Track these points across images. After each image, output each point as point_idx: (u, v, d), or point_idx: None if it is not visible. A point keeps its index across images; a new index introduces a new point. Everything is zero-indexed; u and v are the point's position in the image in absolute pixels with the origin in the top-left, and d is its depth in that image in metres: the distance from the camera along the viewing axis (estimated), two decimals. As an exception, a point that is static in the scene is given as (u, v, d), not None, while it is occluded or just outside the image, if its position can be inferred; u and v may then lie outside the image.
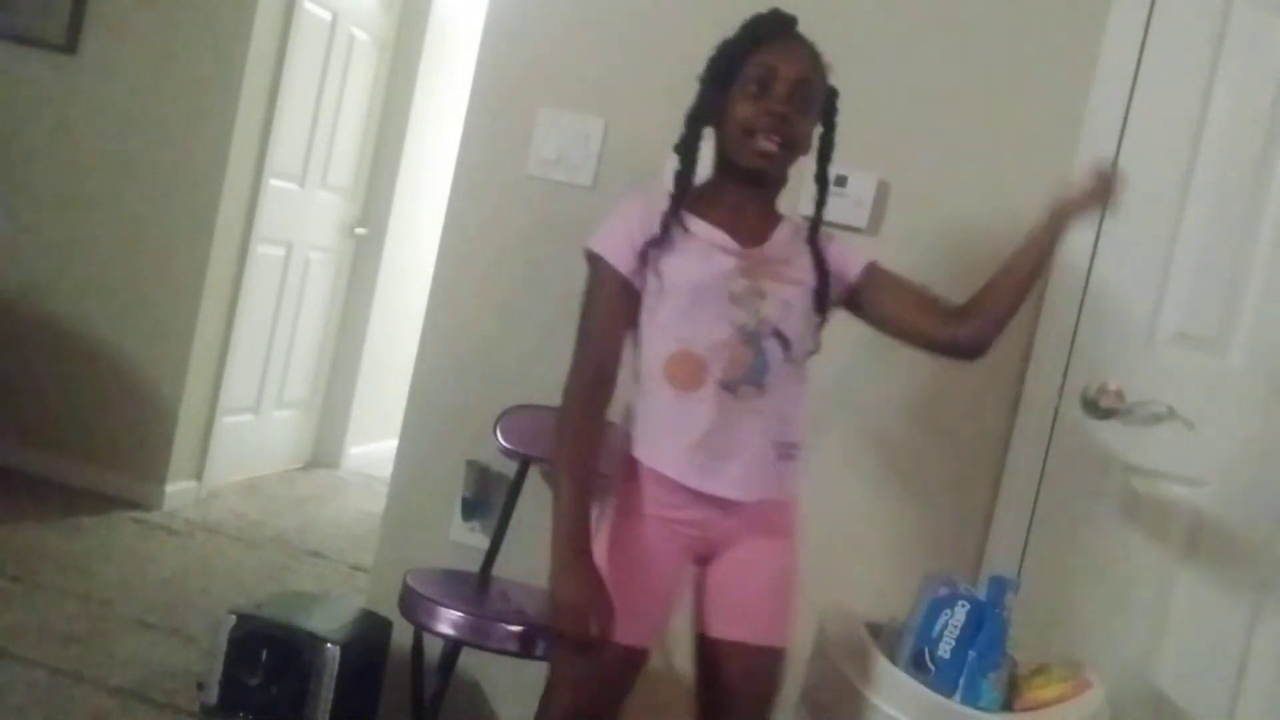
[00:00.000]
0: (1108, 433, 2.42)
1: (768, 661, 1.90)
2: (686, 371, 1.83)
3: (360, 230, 5.04)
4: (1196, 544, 2.42)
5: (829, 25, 2.54)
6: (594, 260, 1.89)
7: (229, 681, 2.51)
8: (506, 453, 2.58)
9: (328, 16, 4.46)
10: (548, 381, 2.63)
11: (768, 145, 1.84)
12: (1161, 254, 2.42)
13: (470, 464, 2.69)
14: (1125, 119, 2.42)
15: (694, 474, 1.83)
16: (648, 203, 1.90)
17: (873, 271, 1.97)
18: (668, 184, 1.92)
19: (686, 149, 1.93)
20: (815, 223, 1.95)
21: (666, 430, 1.85)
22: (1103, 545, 2.45)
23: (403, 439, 2.78)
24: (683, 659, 2.47)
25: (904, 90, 2.51)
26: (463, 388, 2.71)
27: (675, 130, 2.56)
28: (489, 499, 2.67)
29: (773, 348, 1.85)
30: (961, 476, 2.49)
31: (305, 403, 5.05)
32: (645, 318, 1.87)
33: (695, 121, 1.93)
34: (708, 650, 1.91)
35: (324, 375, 5.13)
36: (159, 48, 4.01)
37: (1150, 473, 2.43)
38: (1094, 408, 2.42)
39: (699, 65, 2.57)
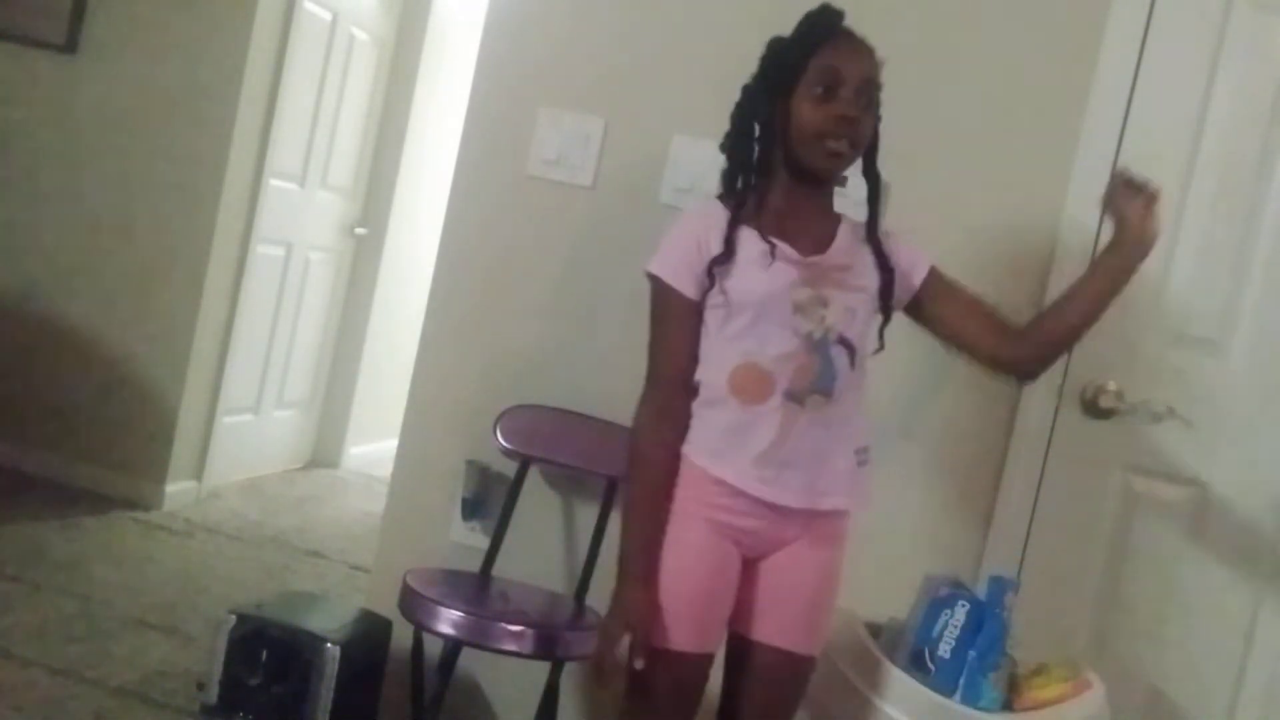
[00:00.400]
0: (1108, 433, 2.42)
1: (801, 670, 1.91)
2: (752, 384, 1.81)
3: (360, 230, 5.04)
4: (1196, 544, 2.42)
5: (829, 25, 2.55)
6: (657, 284, 1.86)
7: (229, 681, 2.51)
8: (506, 453, 2.58)
9: (328, 16, 4.46)
10: (548, 381, 2.65)
11: (839, 146, 1.82)
12: (1162, 254, 2.42)
13: (470, 464, 2.69)
14: (1125, 119, 2.42)
15: (760, 485, 1.82)
16: (706, 215, 1.86)
17: (934, 276, 1.96)
18: (708, 182, 1.92)
19: (743, 154, 1.89)
20: (873, 220, 1.93)
21: (732, 442, 1.82)
22: (1103, 545, 2.45)
23: (403, 439, 2.78)
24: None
25: (904, 90, 2.50)
26: (463, 388, 2.71)
27: (676, 130, 2.59)
28: (489, 499, 2.67)
29: (840, 355, 1.84)
30: (962, 477, 2.49)
31: (305, 403, 5.04)
32: (708, 331, 1.85)
33: (750, 124, 1.89)
34: (744, 651, 1.90)
35: (324, 375, 5.13)
36: (159, 48, 4.01)
37: (1150, 473, 2.43)
38: (1094, 408, 2.42)
39: (699, 65, 2.59)
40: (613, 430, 2.56)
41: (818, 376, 1.82)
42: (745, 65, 2.56)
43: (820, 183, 1.90)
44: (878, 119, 1.92)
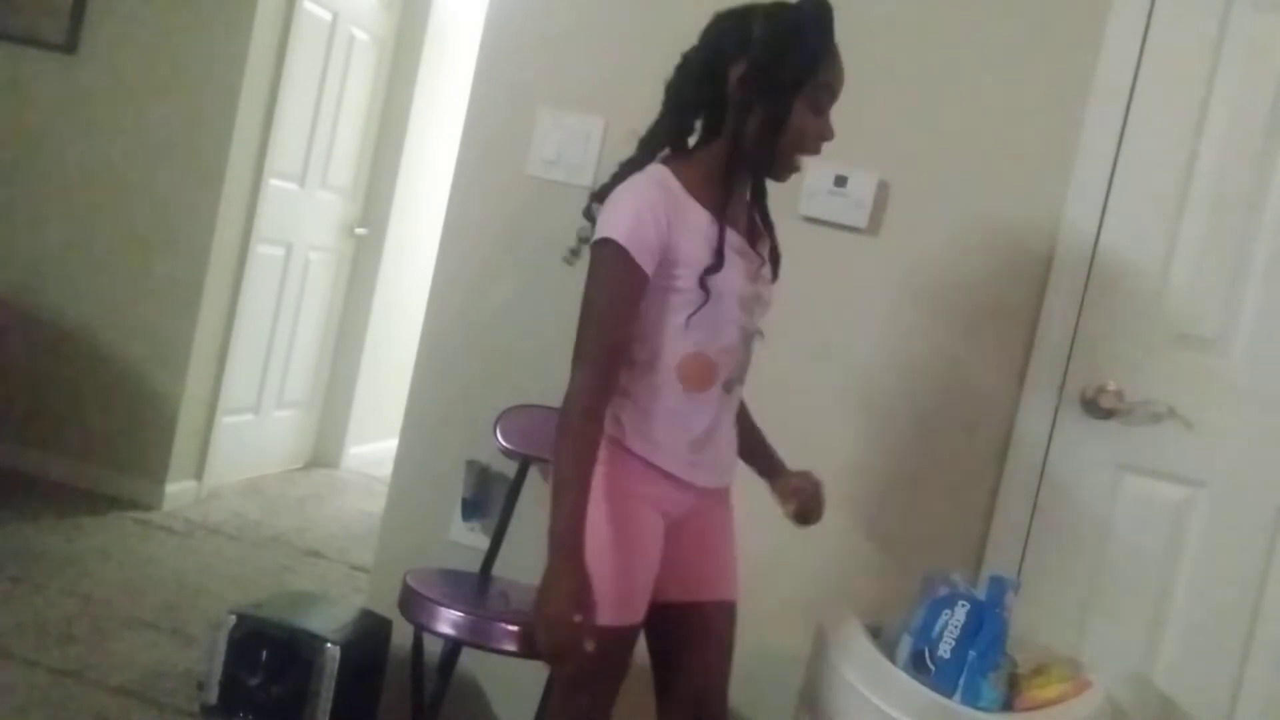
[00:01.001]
0: (1108, 433, 2.42)
1: (733, 615, 1.96)
2: (699, 373, 1.82)
3: (360, 230, 5.04)
4: (1196, 544, 2.42)
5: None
6: (615, 251, 1.74)
7: (229, 681, 2.52)
8: (506, 453, 2.58)
9: (328, 16, 4.46)
10: (548, 381, 2.63)
11: (801, 164, 1.85)
12: (1161, 254, 2.42)
13: (470, 464, 2.69)
14: (1125, 119, 2.42)
15: (689, 469, 1.85)
16: (663, 187, 1.78)
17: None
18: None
19: (737, 145, 1.81)
20: (763, 205, 1.93)
21: (668, 426, 1.83)
22: (1103, 545, 2.45)
23: (403, 439, 2.78)
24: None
25: (904, 90, 2.51)
26: (463, 388, 2.71)
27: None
28: (489, 499, 2.67)
29: (754, 347, 1.90)
30: (961, 476, 2.50)
31: (305, 403, 5.04)
32: (662, 316, 1.79)
33: (748, 105, 1.80)
34: (685, 614, 1.91)
35: (324, 375, 5.13)
36: (159, 48, 4.01)
37: (1150, 473, 2.43)
38: (1094, 408, 2.42)
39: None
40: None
41: (742, 367, 1.89)
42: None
43: (760, 181, 1.91)
44: None
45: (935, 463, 2.49)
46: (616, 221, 1.76)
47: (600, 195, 1.87)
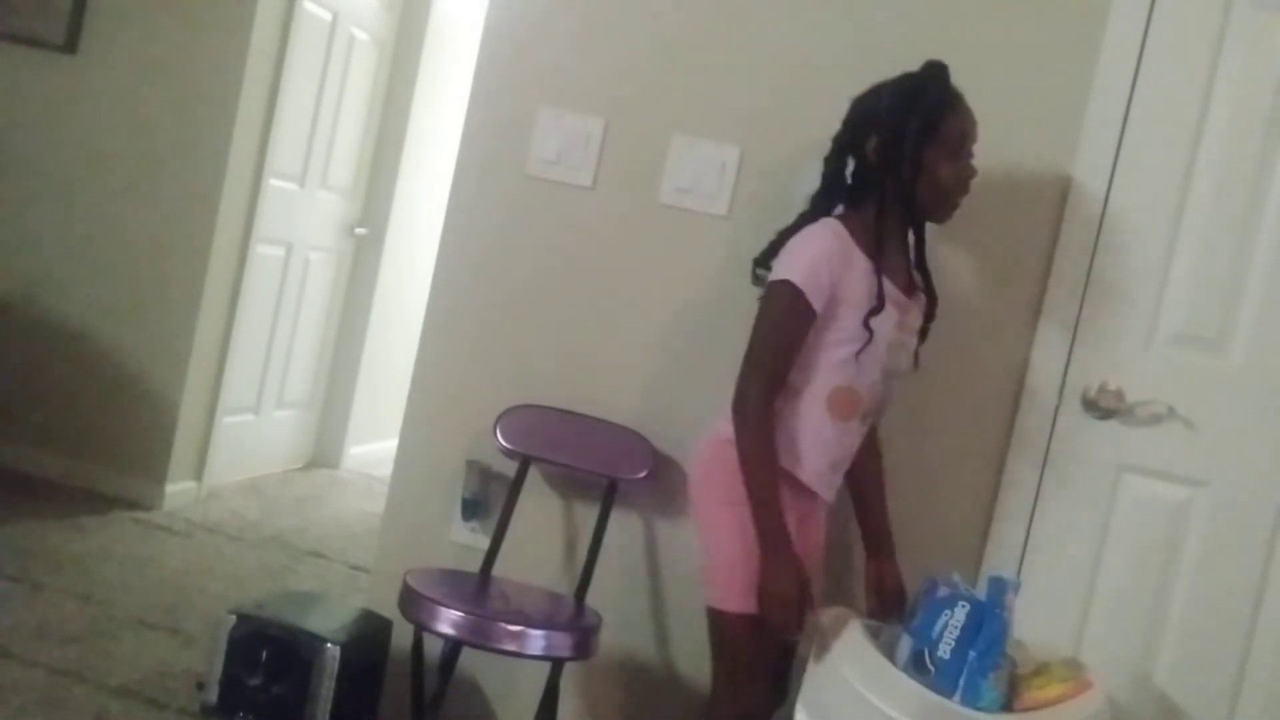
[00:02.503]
0: (1108, 433, 2.42)
1: None
2: (847, 405, 2.09)
3: (360, 230, 5.04)
4: (1196, 544, 2.42)
5: (831, 29, 2.55)
6: (792, 291, 2.01)
7: (229, 681, 2.51)
8: (506, 453, 2.58)
9: (328, 16, 4.46)
10: (548, 381, 2.65)
11: (959, 201, 2.09)
12: (1161, 254, 2.42)
13: (470, 464, 2.69)
14: (1125, 119, 2.42)
15: (826, 487, 2.13)
16: (838, 238, 2.05)
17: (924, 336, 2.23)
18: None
19: (880, 210, 2.07)
20: (920, 248, 2.19)
21: (815, 448, 2.08)
22: (1103, 545, 2.45)
23: (403, 439, 2.78)
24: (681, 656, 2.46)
25: (904, 90, 2.50)
26: (463, 388, 2.71)
27: (676, 130, 2.59)
28: (489, 499, 2.67)
29: (894, 386, 2.18)
30: (961, 477, 2.50)
31: (305, 403, 5.04)
32: (821, 350, 2.05)
33: (895, 169, 2.05)
34: None
35: (324, 375, 5.13)
36: (159, 48, 4.01)
37: (1150, 473, 2.43)
38: (1094, 408, 2.42)
39: (699, 65, 2.59)
40: (613, 430, 2.56)
41: (882, 403, 2.17)
42: (744, 65, 2.58)
43: (920, 228, 2.17)
44: None
45: (935, 463, 2.49)
46: (796, 266, 2.03)
47: (772, 250, 2.15)
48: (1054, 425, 2.45)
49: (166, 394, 4.04)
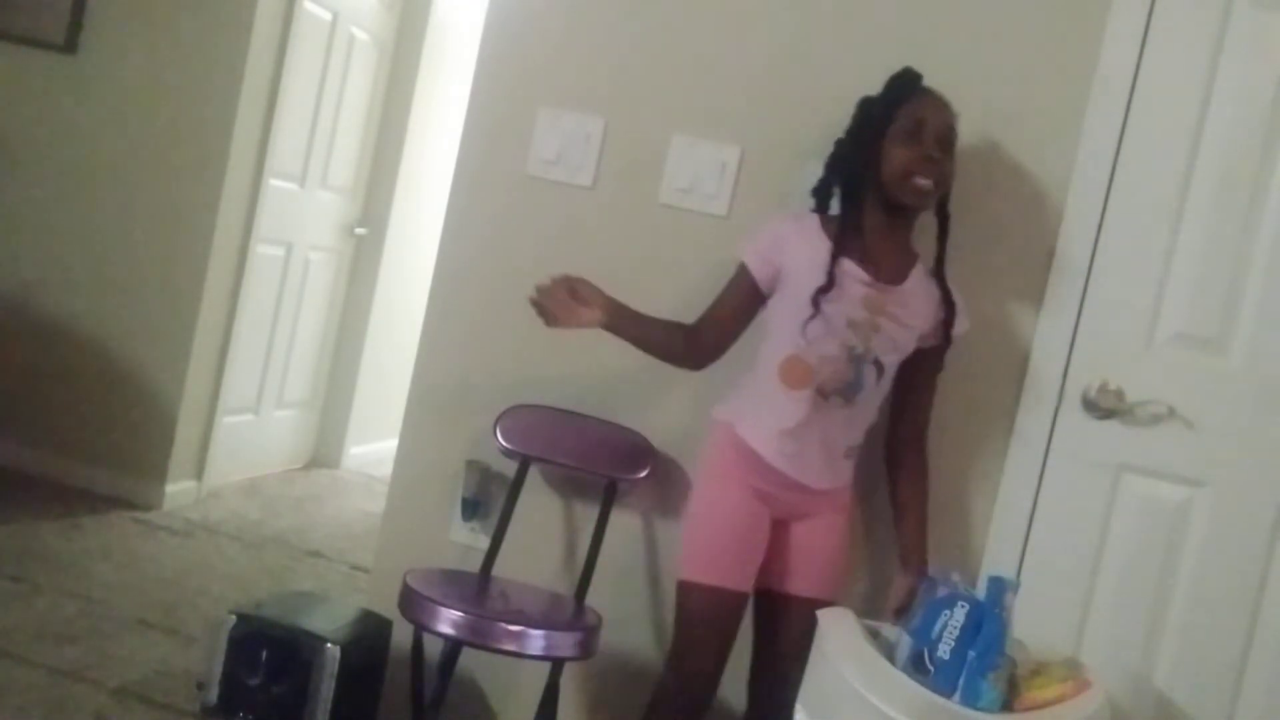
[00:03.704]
0: (1108, 433, 2.42)
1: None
2: (796, 374, 2.19)
3: (360, 230, 5.04)
4: (1196, 544, 2.42)
5: (831, 29, 2.55)
6: (740, 268, 2.26)
7: (229, 681, 2.51)
8: (506, 453, 2.58)
9: (328, 16, 4.46)
10: (548, 381, 2.65)
11: (924, 183, 2.16)
12: (1161, 254, 2.42)
13: (470, 464, 2.69)
14: (1125, 119, 2.42)
15: (779, 457, 2.20)
16: (800, 223, 2.24)
17: (947, 345, 2.30)
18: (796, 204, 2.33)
19: (845, 197, 2.24)
20: (941, 256, 2.28)
21: (766, 414, 2.21)
22: (1103, 545, 2.45)
23: (403, 439, 2.78)
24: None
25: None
26: (463, 388, 2.71)
27: (676, 130, 2.59)
28: (489, 499, 2.67)
29: (869, 373, 2.20)
30: (961, 476, 2.50)
31: (305, 403, 5.04)
32: (776, 320, 2.23)
33: (848, 168, 2.23)
34: (779, 605, 2.28)
35: (324, 375, 5.13)
36: (159, 48, 4.01)
37: (1150, 473, 2.43)
38: (1094, 408, 2.42)
39: (699, 65, 2.60)
40: (613, 430, 2.56)
41: (847, 384, 2.19)
42: (744, 65, 2.58)
43: (904, 217, 2.24)
44: (954, 164, 2.23)
45: (935, 463, 2.48)
46: (748, 246, 2.27)
47: None
48: (1054, 425, 2.45)
49: (166, 394, 4.04)
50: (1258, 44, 2.38)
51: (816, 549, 2.28)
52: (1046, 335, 2.45)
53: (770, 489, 2.22)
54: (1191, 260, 2.41)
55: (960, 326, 2.29)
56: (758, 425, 2.22)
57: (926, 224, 2.38)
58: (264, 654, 2.50)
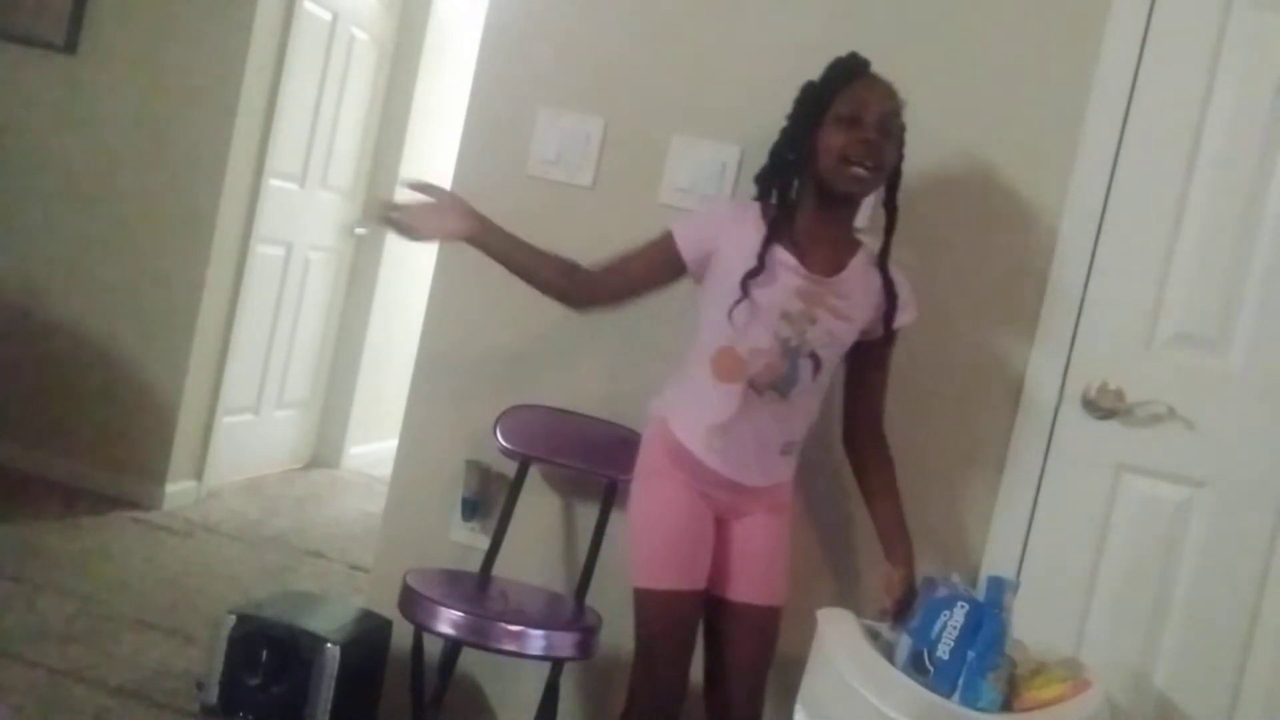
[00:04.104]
0: (1108, 433, 2.42)
1: (770, 618, 2.21)
2: (728, 366, 2.12)
3: (360, 230, 5.04)
4: (1196, 544, 2.42)
5: (831, 29, 2.55)
6: (665, 234, 2.18)
7: (229, 681, 2.51)
8: (506, 453, 2.58)
9: (328, 16, 4.46)
10: (548, 381, 2.65)
11: (861, 171, 2.07)
12: (1161, 254, 2.42)
13: (470, 464, 2.69)
14: (1125, 119, 2.42)
15: (708, 453, 2.13)
16: (740, 210, 2.17)
17: (895, 336, 2.22)
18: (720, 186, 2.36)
19: (781, 184, 2.16)
20: (886, 247, 2.18)
21: (696, 409, 2.15)
22: (1103, 545, 2.45)
23: (403, 439, 2.78)
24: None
25: (903, 91, 2.50)
26: (463, 388, 2.71)
27: (676, 130, 2.59)
28: (489, 499, 2.67)
29: (805, 366, 2.12)
30: (961, 476, 2.49)
31: (305, 403, 5.04)
32: (708, 310, 2.15)
33: (784, 154, 2.15)
34: (723, 612, 2.19)
35: (324, 375, 5.13)
36: (159, 48, 4.01)
37: (1150, 473, 2.43)
38: (1094, 408, 2.42)
39: (699, 65, 2.60)
40: (613, 430, 2.56)
41: (780, 378, 2.11)
42: (744, 65, 2.58)
43: (845, 207, 2.17)
44: (900, 153, 2.17)
45: (934, 463, 2.49)
46: (681, 218, 2.23)
47: None
48: (1054, 425, 2.45)
49: (166, 394, 4.04)
50: (1258, 44, 2.38)
51: (756, 552, 2.20)
52: (1047, 335, 2.45)
53: (705, 487, 2.15)
54: (1191, 260, 2.41)
55: (905, 317, 2.20)
56: (688, 419, 2.15)
57: (922, 223, 2.38)
58: (264, 654, 2.50)
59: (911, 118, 2.51)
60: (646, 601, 2.13)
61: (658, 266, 2.19)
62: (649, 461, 2.20)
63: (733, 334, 2.10)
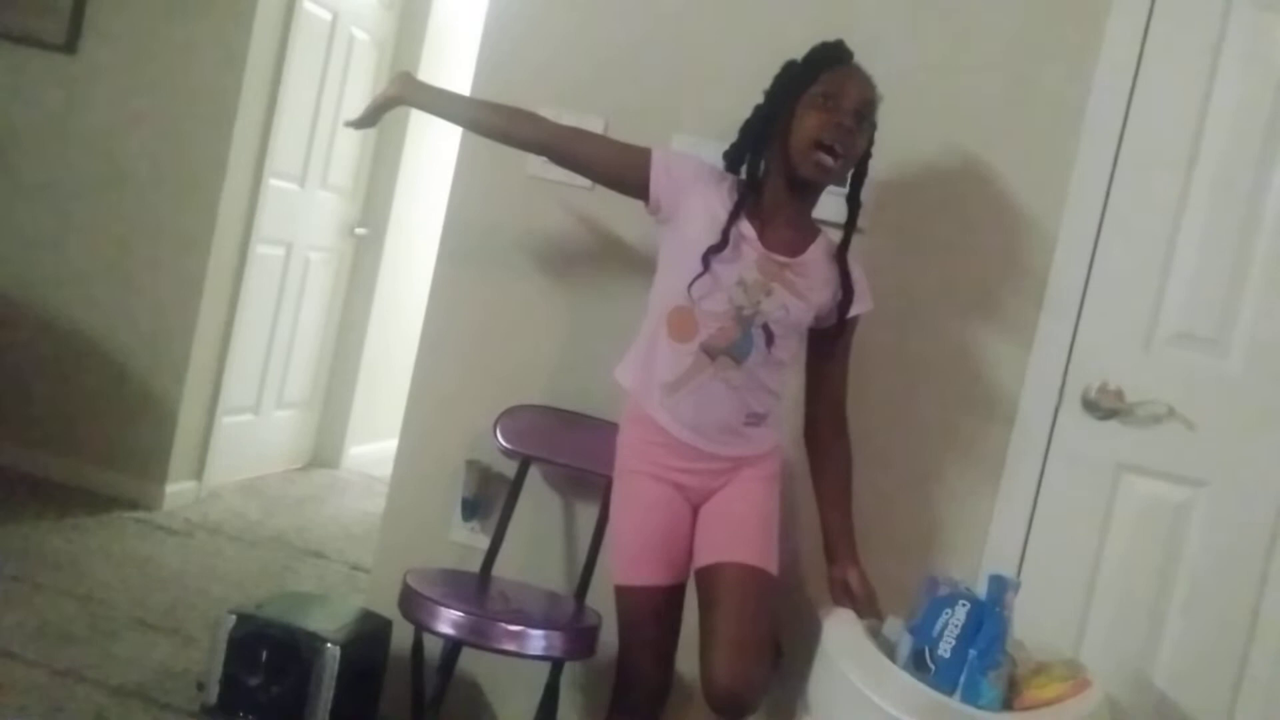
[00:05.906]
0: (1108, 433, 2.42)
1: (757, 580, 2.12)
2: (682, 325, 2.13)
3: (360, 230, 5.04)
4: (1196, 544, 2.42)
5: (831, 29, 2.55)
6: (645, 150, 2.20)
7: (229, 681, 2.52)
8: (506, 453, 2.58)
9: (328, 16, 4.46)
10: (548, 381, 2.65)
11: (828, 160, 2.07)
12: (1161, 254, 2.42)
13: (470, 464, 2.69)
14: (1125, 119, 2.42)
15: (659, 409, 2.15)
16: (717, 180, 2.17)
17: (852, 323, 2.23)
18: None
19: (751, 159, 2.17)
20: (846, 240, 2.19)
21: (650, 364, 2.17)
22: (1103, 545, 2.45)
23: (403, 439, 2.78)
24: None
25: (903, 91, 2.50)
26: (463, 388, 2.71)
27: (676, 130, 2.59)
28: (489, 499, 2.67)
29: (758, 336, 2.12)
30: (961, 477, 2.50)
31: (305, 403, 5.04)
32: (666, 267, 2.19)
33: (756, 131, 2.16)
34: (708, 577, 2.13)
35: (324, 375, 5.13)
36: (159, 48, 4.01)
37: (1150, 473, 2.44)
38: (1094, 408, 2.42)
39: (699, 65, 2.60)
40: (613, 430, 2.56)
41: (733, 343, 2.12)
42: (744, 65, 2.57)
43: (805, 192, 2.16)
44: (869, 149, 2.18)
45: (935, 463, 2.49)
46: (669, 150, 2.28)
47: None
48: (1054, 425, 2.45)
49: (166, 394, 4.04)
50: (1258, 44, 2.39)
51: (737, 514, 2.16)
52: (1046, 335, 2.45)
53: (674, 471, 2.15)
54: (1191, 260, 2.42)
55: (859, 308, 2.21)
56: (643, 377, 2.18)
57: (922, 222, 2.38)
58: (264, 654, 2.50)
59: (912, 117, 2.52)
60: (622, 597, 2.17)
61: (617, 170, 2.23)
62: (621, 457, 2.23)
63: (691, 296, 2.11)
